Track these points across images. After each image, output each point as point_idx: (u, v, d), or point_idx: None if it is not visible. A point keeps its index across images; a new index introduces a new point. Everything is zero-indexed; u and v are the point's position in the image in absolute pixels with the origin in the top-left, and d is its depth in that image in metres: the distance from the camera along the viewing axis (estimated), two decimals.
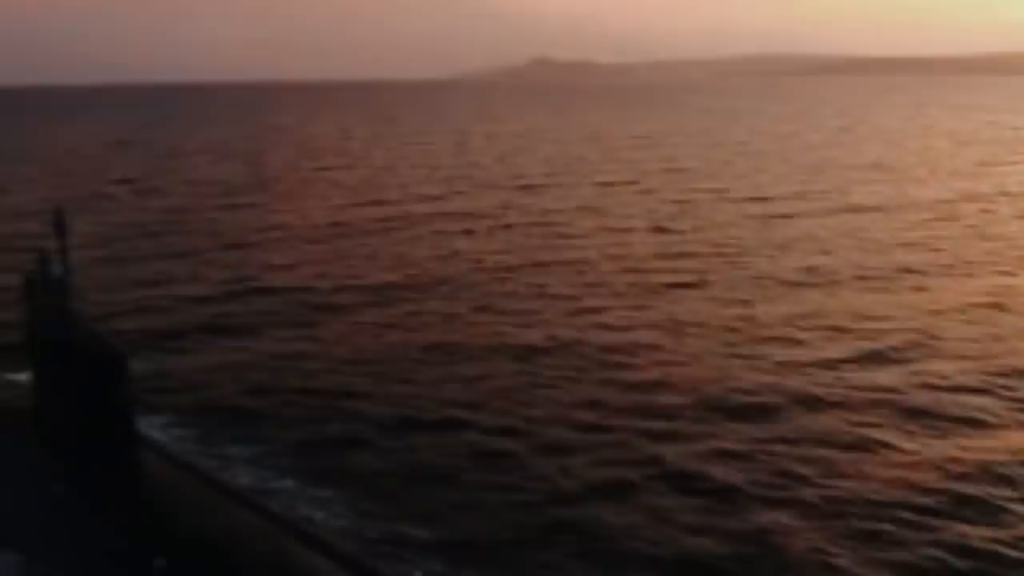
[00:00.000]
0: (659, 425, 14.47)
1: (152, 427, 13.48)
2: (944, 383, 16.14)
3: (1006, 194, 40.75)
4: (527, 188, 44.30)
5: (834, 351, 18.03)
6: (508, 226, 33.29)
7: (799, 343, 18.67)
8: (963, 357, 17.66)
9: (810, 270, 25.22)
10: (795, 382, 16.35)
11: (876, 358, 17.59)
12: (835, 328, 19.60)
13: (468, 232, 32.26)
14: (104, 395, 9.73)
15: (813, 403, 15.30)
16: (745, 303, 21.87)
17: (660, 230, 32.06)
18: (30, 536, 9.46)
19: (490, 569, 10.52)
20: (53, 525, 9.45)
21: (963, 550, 10.70)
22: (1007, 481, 12.34)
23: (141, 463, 10.02)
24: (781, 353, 17.99)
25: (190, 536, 9.20)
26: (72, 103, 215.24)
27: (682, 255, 27.65)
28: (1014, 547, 10.74)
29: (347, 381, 16.72)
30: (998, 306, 21.40)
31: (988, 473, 12.60)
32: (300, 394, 16.06)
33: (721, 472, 12.73)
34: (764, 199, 39.54)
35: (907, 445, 13.62)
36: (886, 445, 13.61)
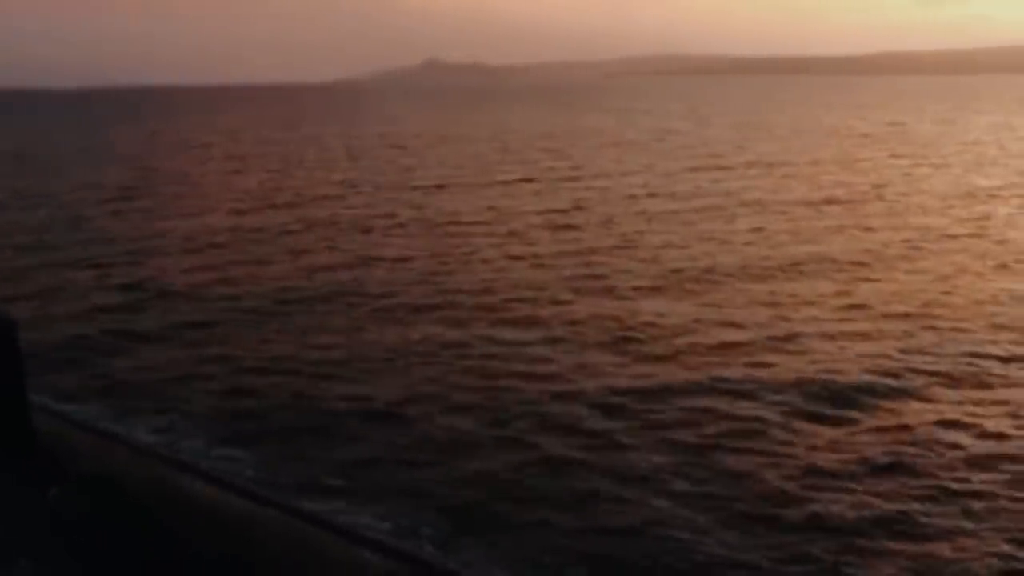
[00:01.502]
0: (558, 414, 14.94)
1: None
2: (825, 369, 16.99)
3: (881, 185, 42.79)
4: (426, 189, 44.51)
5: (728, 337, 18.84)
6: (408, 226, 33.48)
7: (697, 333, 19.37)
8: (842, 343, 18.61)
9: (702, 264, 26.09)
10: (683, 372, 16.94)
11: (766, 346, 18.37)
12: (730, 322, 20.29)
13: (368, 232, 32.34)
14: None
15: (705, 390, 15.95)
16: (640, 297, 22.55)
17: (558, 228, 32.66)
18: None
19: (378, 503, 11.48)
20: None
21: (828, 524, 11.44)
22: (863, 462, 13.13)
23: (34, 420, 10.70)
24: (679, 343, 18.69)
25: (83, 474, 10.01)
26: None
27: (580, 252, 28.16)
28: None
29: (254, 380, 16.77)
30: (880, 295, 22.54)
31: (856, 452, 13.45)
32: (213, 395, 16.09)
33: (619, 459, 13.27)
34: (658, 195, 40.72)
35: (796, 426, 14.38)
36: (777, 426, 14.35)
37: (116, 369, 17.63)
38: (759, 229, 31.42)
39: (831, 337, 18.73)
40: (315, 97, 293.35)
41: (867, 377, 16.29)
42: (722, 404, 15.16)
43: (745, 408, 14.98)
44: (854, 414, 14.66)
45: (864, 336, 18.78)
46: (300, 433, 14.28)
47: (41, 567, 8.70)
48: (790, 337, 18.71)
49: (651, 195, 40.84)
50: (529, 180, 47.13)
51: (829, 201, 38.18)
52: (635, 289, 23.20)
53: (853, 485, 12.15)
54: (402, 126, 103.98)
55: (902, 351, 17.74)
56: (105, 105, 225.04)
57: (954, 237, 29.80)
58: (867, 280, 23.82)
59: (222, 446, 13.64)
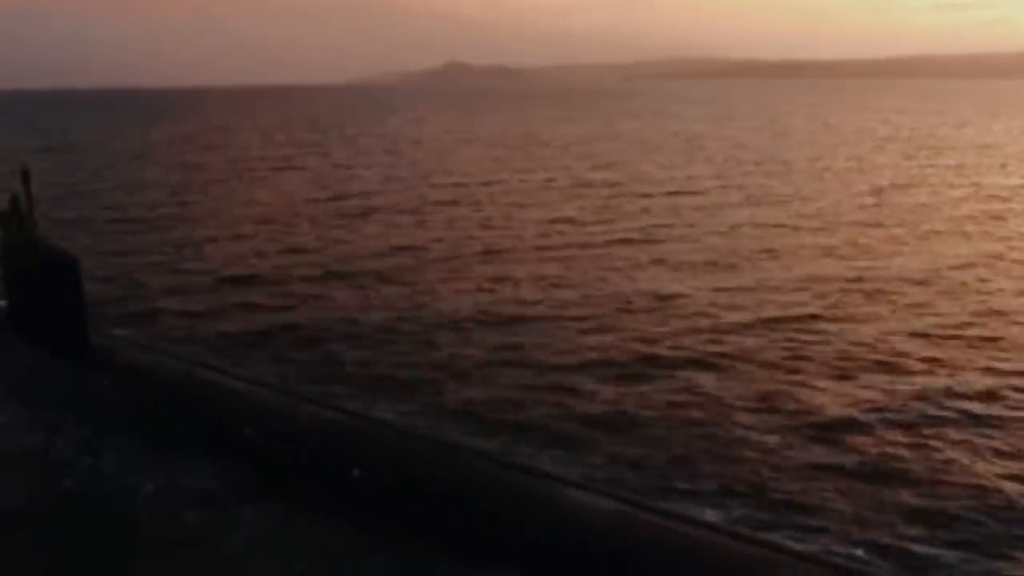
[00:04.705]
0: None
1: None
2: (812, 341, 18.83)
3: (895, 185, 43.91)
4: (460, 186, 46.26)
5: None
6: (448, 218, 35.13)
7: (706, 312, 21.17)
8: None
9: (721, 258, 27.40)
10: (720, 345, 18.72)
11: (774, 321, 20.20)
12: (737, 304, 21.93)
13: (417, 224, 34.18)
14: (61, 292, 13.12)
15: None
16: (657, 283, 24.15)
17: (578, 223, 34.17)
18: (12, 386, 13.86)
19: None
20: (26, 377, 13.79)
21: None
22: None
23: (93, 338, 13.59)
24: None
25: (130, 370, 13.11)
26: None
27: (609, 243, 29.71)
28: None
29: (316, 335, 18.71)
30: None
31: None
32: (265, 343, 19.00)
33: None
34: (690, 193, 42.40)
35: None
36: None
37: (175, 319, 20.48)
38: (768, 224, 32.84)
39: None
40: (339, 98, 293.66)
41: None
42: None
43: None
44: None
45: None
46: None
47: (95, 435, 11.83)
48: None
49: (684, 193, 42.31)
50: (564, 183, 48.41)
51: (840, 203, 39.25)
52: (650, 278, 24.55)
53: None
54: (430, 128, 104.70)
55: None
56: (128, 105, 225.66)
57: None
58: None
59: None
